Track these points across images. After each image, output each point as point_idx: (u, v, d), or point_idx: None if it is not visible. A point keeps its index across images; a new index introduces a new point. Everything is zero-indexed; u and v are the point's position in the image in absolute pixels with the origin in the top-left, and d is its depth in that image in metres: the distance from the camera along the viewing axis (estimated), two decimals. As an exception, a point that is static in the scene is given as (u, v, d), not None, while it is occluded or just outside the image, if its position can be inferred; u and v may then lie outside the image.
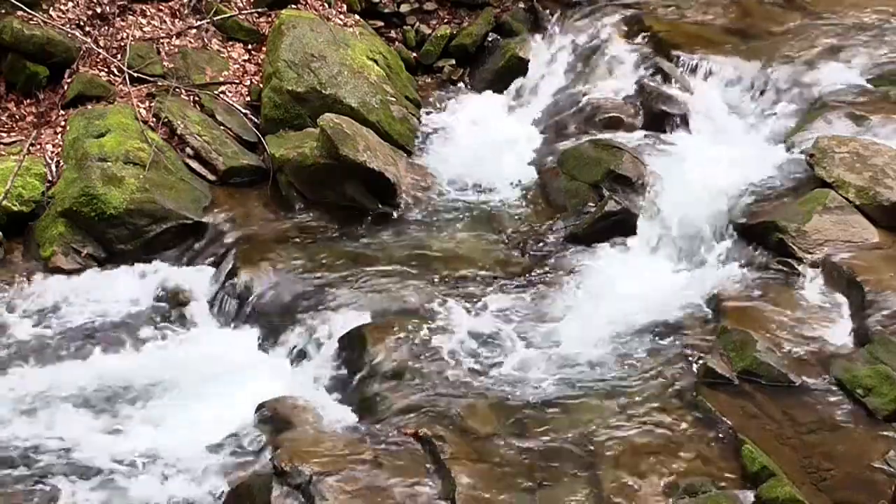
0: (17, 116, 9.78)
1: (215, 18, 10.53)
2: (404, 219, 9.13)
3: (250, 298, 8.31)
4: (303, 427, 6.87)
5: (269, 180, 9.38)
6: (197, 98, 9.92)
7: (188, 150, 9.44)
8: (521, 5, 11.40)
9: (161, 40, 10.33)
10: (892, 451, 6.35)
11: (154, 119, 9.54)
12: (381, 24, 11.28)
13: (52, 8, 10.07)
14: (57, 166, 9.24)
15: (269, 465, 6.53)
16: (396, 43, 11.25)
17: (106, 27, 10.18)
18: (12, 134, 9.62)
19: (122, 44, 10.07)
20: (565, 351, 7.47)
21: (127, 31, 10.20)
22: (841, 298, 7.54)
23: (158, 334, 8.12)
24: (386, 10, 11.35)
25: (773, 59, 9.81)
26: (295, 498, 6.28)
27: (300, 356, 7.78)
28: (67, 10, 10.13)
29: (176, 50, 10.30)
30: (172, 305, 8.37)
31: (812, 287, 7.67)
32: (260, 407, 7.15)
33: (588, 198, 8.90)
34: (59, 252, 8.66)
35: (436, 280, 8.31)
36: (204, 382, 7.52)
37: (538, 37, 11.10)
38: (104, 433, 7.10)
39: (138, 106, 9.57)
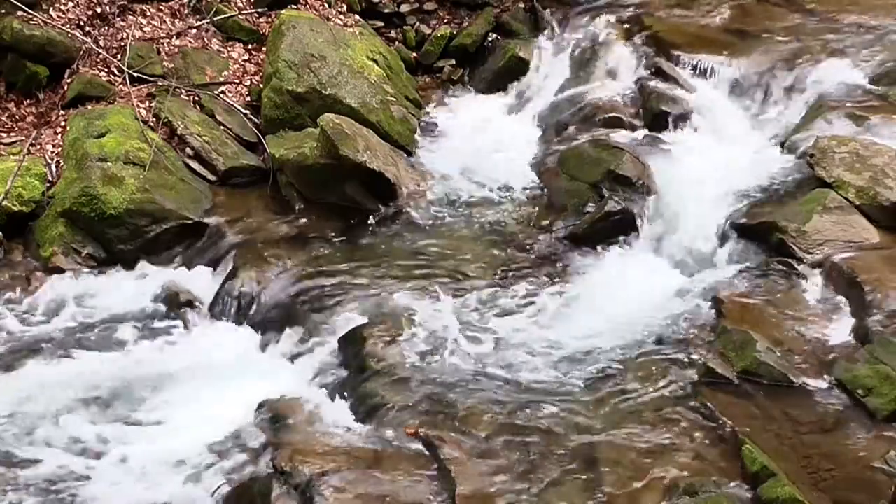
0: (17, 116, 9.79)
1: (215, 18, 10.53)
2: (404, 219, 9.13)
3: (250, 298, 8.31)
4: (303, 427, 6.87)
5: (269, 180, 9.38)
6: (197, 98, 9.92)
7: (188, 150, 9.44)
8: (521, 5, 11.40)
9: (161, 40, 10.33)
10: (892, 451, 6.34)
11: (154, 119, 9.54)
12: (381, 24, 11.28)
13: (52, 8, 10.07)
14: (57, 166, 9.24)
15: (269, 465, 6.53)
16: (396, 43, 11.25)
17: (106, 27, 10.19)
18: (12, 134, 9.63)
19: (122, 44, 10.07)
20: (565, 351, 7.48)
21: (127, 31, 10.19)
22: (841, 298, 7.53)
23: (158, 334, 8.11)
24: (386, 10, 11.35)
25: (773, 59, 9.81)
26: (295, 498, 6.28)
27: (300, 356, 7.78)
28: (67, 10, 10.13)
29: (176, 50, 10.30)
30: (172, 306, 8.37)
31: (812, 287, 7.67)
32: (260, 407, 7.15)
33: (588, 198, 8.90)
34: (59, 252, 8.66)
35: (436, 280, 8.30)
36: (204, 382, 7.52)
37: (538, 37, 11.10)
38: (104, 433, 7.09)
39: (138, 106, 9.57)
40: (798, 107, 9.35)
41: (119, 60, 9.88)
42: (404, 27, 11.39)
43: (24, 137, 9.51)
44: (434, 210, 9.26)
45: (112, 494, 6.62)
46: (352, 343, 7.63)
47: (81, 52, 9.90)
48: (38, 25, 9.82)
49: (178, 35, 10.44)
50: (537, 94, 10.61)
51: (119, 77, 9.85)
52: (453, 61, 11.25)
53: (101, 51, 9.94)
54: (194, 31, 10.50)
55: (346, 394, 7.32)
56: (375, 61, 10.36)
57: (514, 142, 10.02)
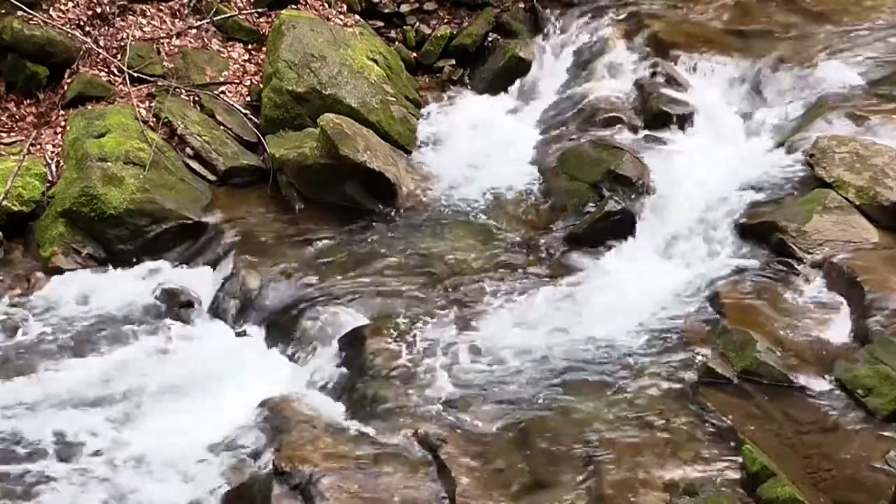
0: (17, 116, 9.79)
1: (215, 18, 10.53)
2: (404, 219, 9.13)
3: (250, 298, 8.31)
4: (303, 427, 6.86)
5: (269, 180, 9.38)
6: (197, 98, 9.92)
7: (188, 150, 9.44)
8: (521, 5, 11.40)
9: (161, 40, 10.33)
10: (892, 451, 6.35)
11: (154, 119, 9.54)
12: (381, 24, 11.28)
13: (52, 8, 10.07)
14: (57, 166, 9.24)
15: (269, 465, 6.53)
16: (396, 43, 11.24)
17: (106, 27, 10.19)
18: (12, 134, 9.63)
19: (122, 44, 10.07)
20: (565, 350, 7.47)
21: (127, 31, 10.19)
22: (841, 298, 7.53)
23: (158, 334, 8.10)
24: (386, 10, 11.35)
25: (773, 59, 9.80)
26: (295, 498, 6.29)
27: (300, 356, 7.78)
28: (67, 10, 10.14)
29: (176, 50, 10.31)
30: (172, 305, 8.37)
31: (812, 287, 7.68)
32: (260, 407, 7.15)
33: (588, 198, 8.90)
34: (59, 252, 8.66)
35: (436, 280, 8.31)
36: (204, 382, 7.52)
37: (538, 37, 11.09)
38: (104, 433, 7.09)
39: (138, 106, 9.57)
40: (798, 107, 9.34)
41: (119, 60, 9.88)
42: (404, 27, 11.39)
43: (24, 137, 9.51)
44: (434, 210, 9.26)
45: (112, 494, 6.62)
46: (352, 343, 7.63)
47: (81, 52, 9.90)
48: (38, 25, 9.82)
49: (178, 35, 10.43)
50: (537, 94, 10.60)
51: (119, 77, 9.85)
52: (453, 61, 11.24)
53: (101, 51, 9.94)
54: (194, 31, 10.50)
55: (346, 394, 7.32)
56: (375, 61, 10.36)
57: (514, 142, 10.00)
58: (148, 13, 10.50)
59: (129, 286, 8.53)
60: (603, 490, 6.18)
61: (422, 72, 11.22)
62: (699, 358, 7.19)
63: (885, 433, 6.52)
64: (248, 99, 10.13)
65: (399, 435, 6.74)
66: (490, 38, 11.27)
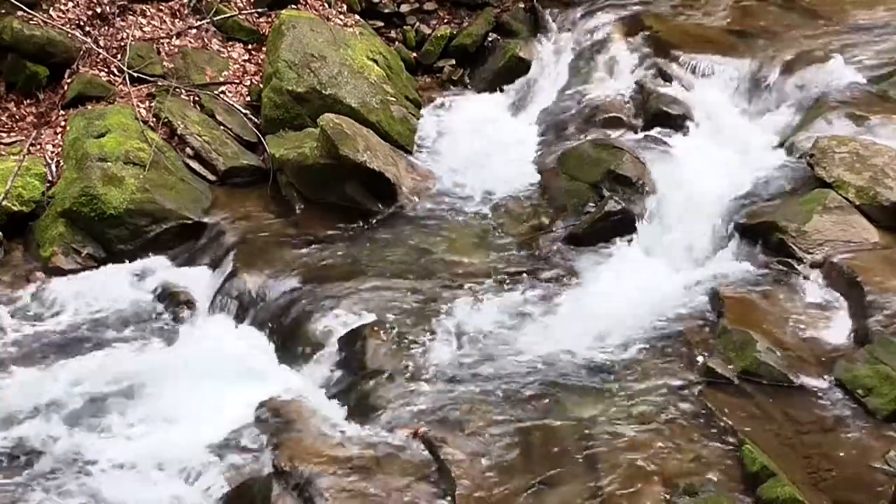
0: (17, 116, 9.79)
1: (215, 18, 10.54)
2: (404, 219, 9.13)
3: (250, 298, 8.31)
4: (303, 427, 6.87)
5: (269, 180, 9.39)
6: (197, 98, 9.92)
7: (188, 150, 9.45)
8: (521, 5, 11.41)
9: (161, 40, 10.33)
10: (892, 451, 6.34)
11: (154, 119, 9.55)
12: (381, 24, 11.30)
13: (52, 8, 10.08)
14: (57, 166, 9.25)
15: (269, 465, 6.53)
16: (396, 43, 11.25)
17: (106, 27, 10.19)
18: (12, 134, 9.63)
19: (122, 44, 10.08)
20: (565, 351, 7.46)
21: (127, 31, 10.20)
22: (841, 298, 7.53)
23: (158, 334, 8.11)
24: (386, 10, 11.37)
25: (773, 59, 9.81)
26: (294, 498, 6.29)
27: (300, 356, 7.77)
28: (67, 10, 10.14)
29: (176, 50, 10.31)
30: (172, 306, 8.37)
31: (812, 287, 7.68)
32: (260, 407, 7.15)
33: (588, 198, 8.89)
34: (59, 252, 8.67)
35: (436, 280, 8.30)
36: (204, 382, 7.51)
37: (538, 37, 11.10)
38: (103, 433, 7.09)
39: (138, 106, 9.57)
40: (798, 107, 9.34)
41: (119, 60, 9.89)
42: (404, 27, 11.40)
43: (24, 137, 9.51)
44: (434, 210, 9.26)
45: (111, 494, 6.61)
46: (352, 343, 7.63)
47: (81, 52, 9.91)
48: (38, 25, 9.82)
49: (178, 35, 10.44)
50: (537, 95, 10.61)
51: (119, 77, 9.86)
52: (453, 61, 11.26)
53: (101, 51, 9.95)
54: (194, 31, 10.51)
55: (346, 394, 7.32)
56: (375, 61, 10.36)
57: (514, 142, 10.01)
58: (148, 13, 10.51)
59: (129, 286, 8.54)
60: (603, 490, 6.18)
61: (422, 72, 11.24)
62: (699, 358, 7.19)
63: (886, 433, 6.51)
64: (248, 99, 10.14)
65: (399, 435, 6.74)
66: (490, 38, 11.29)
